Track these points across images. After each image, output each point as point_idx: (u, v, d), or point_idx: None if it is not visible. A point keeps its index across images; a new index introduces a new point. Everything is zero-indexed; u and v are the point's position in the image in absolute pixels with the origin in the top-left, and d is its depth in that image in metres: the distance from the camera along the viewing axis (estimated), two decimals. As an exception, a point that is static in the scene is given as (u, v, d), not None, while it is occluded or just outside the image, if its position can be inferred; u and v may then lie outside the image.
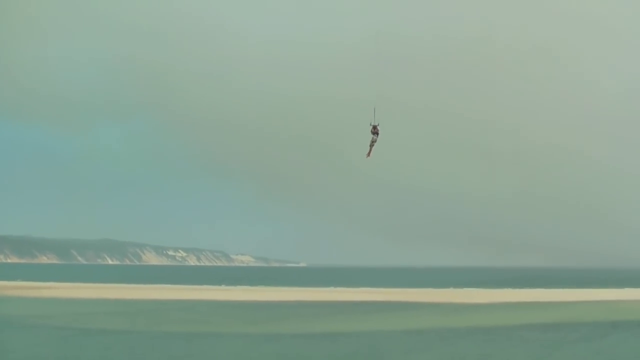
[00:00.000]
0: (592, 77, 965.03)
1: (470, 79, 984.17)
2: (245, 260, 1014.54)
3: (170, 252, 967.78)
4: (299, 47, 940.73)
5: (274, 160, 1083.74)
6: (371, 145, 48.81)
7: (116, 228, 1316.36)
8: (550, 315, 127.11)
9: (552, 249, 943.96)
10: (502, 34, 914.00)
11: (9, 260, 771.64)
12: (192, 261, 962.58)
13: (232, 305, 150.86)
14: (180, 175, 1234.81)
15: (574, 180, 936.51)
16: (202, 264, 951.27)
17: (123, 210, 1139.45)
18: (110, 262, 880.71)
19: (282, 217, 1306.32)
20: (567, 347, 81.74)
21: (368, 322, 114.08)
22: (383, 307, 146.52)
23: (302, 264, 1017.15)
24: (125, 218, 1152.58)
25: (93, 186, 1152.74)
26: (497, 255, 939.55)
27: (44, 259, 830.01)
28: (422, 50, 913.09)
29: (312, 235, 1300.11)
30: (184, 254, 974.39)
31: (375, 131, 48.69)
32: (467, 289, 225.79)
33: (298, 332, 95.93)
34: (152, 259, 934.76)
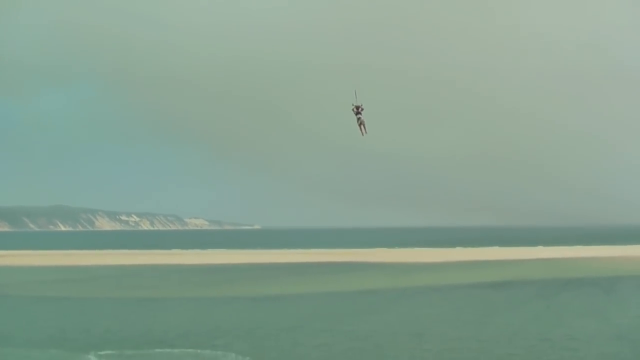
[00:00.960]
0: (544, 38, 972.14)
1: (429, 43, 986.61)
2: (199, 223, 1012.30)
3: (123, 217, 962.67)
4: (247, 10, 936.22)
5: (227, 123, 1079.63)
6: (360, 125, 47.58)
7: (68, 194, 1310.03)
8: (501, 274, 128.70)
9: (503, 209, 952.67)
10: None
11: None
12: (146, 226, 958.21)
13: (185, 269, 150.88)
14: (130, 140, 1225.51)
15: (525, 141, 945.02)
16: (156, 228, 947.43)
17: (74, 176, 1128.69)
18: (62, 228, 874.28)
19: (235, 180, 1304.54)
20: (517, 304, 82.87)
21: (322, 283, 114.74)
22: (337, 268, 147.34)
23: (256, 227, 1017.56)
24: (77, 184, 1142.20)
25: (42, 152, 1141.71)
26: (451, 216, 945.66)
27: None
28: (383, 12, 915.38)
29: (265, 197, 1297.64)
30: (137, 219, 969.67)
31: (358, 111, 45.62)
32: (421, 248, 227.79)
33: (251, 295, 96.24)
34: (105, 224, 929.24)
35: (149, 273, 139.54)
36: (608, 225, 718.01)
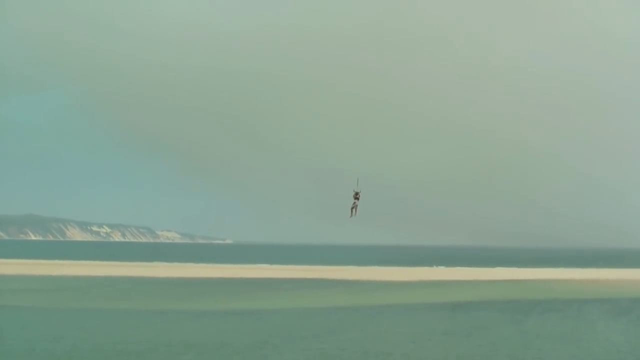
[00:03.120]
0: (518, 62, 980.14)
1: (393, 64, 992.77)
2: (170, 236, 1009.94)
3: (95, 228, 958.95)
4: (218, 23, 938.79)
5: (200, 138, 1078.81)
6: (352, 208, 54.02)
7: (39, 203, 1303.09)
8: (471, 294, 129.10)
9: (476, 229, 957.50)
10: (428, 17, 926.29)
11: None
12: (117, 237, 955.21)
13: (155, 281, 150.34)
14: (103, 150, 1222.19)
15: (499, 162, 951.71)
16: (127, 240, 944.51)
17: (45, 186, 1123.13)
18: (33, 237, 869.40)
19: (208, 193, 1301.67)
20: (487, 325, 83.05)
21: (292, 299, 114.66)
22: (308, 285, 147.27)
23: (228, 241, 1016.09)
24: (48, 193, 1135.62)
25: (12, 160, 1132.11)
26: (422, 235, 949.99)
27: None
28: (341, 35, 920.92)
29: (238, 212, 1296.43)
30: (109, 230, 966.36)
31: (356, 197, 54.48)
32: (391, 267, 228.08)
33: (220, 309, 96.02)
34: (76, 234, 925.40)
35: (119, 285, 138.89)
36: (578, 247, 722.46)
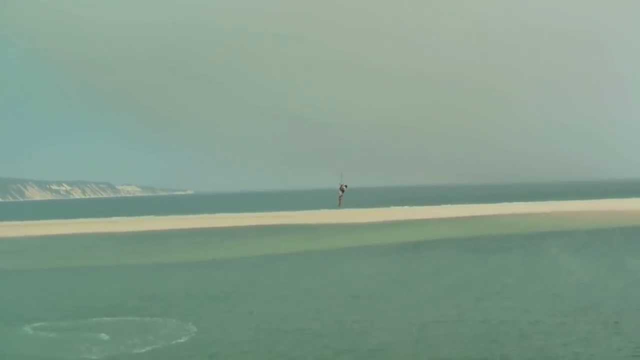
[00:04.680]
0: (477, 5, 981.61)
1: (349, 13, 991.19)
2: (131, 190, 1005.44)
3: (54, 187, 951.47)
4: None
5: (156, 89, 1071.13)
6: (340, 198, 62.00)
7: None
8: (432, 232, 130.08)
9: (433, 169, 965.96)
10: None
11: None
12: (77, 194, 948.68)
13: (117, 236, 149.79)
14: (58, 107, 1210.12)
15: (451, 104, 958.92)
16: (88, 196, 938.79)
17: (1, 146, 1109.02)
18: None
19: (167, 145, 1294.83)
20: (452, 263, 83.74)
21: (256, 246, 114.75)
22: (270, 231, 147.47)
23: (189, 192, 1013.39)
24: (4, 153, 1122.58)
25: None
26: (381, 176, 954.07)
27: None
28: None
29: (197, 163, 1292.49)
30: (68, 188, 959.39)
31: (342, 189, 62.30)
32: (353, 209, 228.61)
33: (185, 261, 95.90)
34: (35, 194, 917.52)
35: (80, 242, 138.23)
36: (534, 183, 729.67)
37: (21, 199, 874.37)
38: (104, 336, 48.73)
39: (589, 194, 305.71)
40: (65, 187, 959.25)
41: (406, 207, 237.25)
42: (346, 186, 65.36)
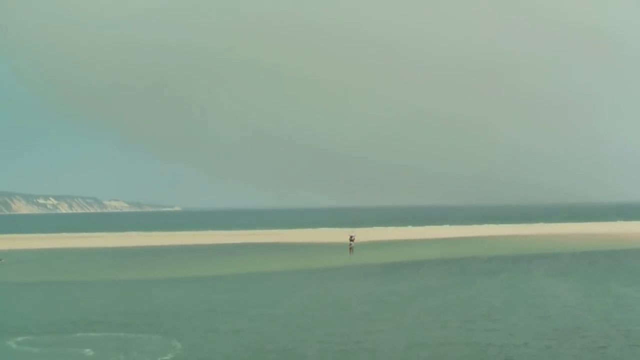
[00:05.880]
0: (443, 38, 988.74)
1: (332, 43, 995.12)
2: (118, 205, 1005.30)
3: (41, 200, 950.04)
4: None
5: (145, 107, 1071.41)
6: (350, 249, 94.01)
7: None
8: (412, 253, 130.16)
9: (421, 189, 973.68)
10: None
11: None
12: (64, 209, 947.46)
13: (104, 251, 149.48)
14: (46, 121, 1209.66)
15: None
16: (74, 211, 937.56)
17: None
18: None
19: (155, 162, 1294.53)
20: (443, 283, 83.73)
21: (242, 264, 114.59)
22: (258, 249, 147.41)
23: (176, 208, 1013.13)
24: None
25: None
26: (373, 196, 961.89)
27: None
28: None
29: (185, 179, 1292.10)
30: (55, 202, 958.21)
31: (352, 239, 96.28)
32: (337, 228, 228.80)
33: (171, 277, 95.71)
34: (22, 207, 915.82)
35: (67, 257, 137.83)
36: (512, 205, 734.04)
37: (8, 212, 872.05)
38: (89, 352, 48.47)
39: (574, 217, 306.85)
40: (52, 201, 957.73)
41: (391, 227, 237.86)
42: (354, 237, 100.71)
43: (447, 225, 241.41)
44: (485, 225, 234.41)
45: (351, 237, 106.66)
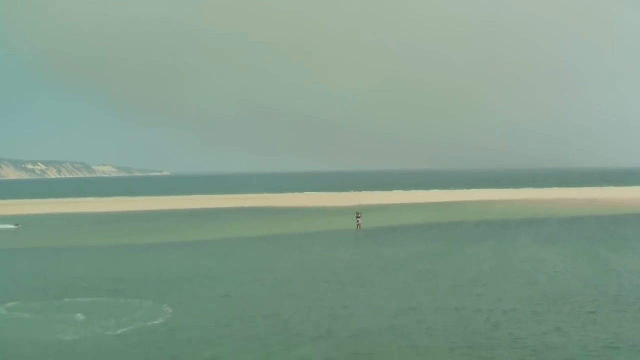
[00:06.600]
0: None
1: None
2: (107, 170, 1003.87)
3: (29, 166, 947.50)
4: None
5: (134, 70, 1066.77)
6: (358, 225, 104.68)
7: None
8: (401, 218, 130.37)
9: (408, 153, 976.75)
10: None
11: None
12: (53, 174, 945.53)
13: (92, 217, 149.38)
14: (33, 87, 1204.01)
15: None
16: (63, 176, 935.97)
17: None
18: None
19: (144, 126, 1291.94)
20: (431, 249, 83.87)
21: (230, 229, 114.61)
22: (246, 214, 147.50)
23: (165, 173, 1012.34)
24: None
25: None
26: (365, 161, 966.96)
27: None
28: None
29: (175, 144, 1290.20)
30: (44, 167, 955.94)
31: (358, 217, 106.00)
32: (328, 193, 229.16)
33: (159, 242, 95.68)
34: (10, 173, 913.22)
35: (55, 222, 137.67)
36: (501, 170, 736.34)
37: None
38: (79, 317, 48.47)
39: (562, 182, 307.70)
40: (41, 166, 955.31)
41: (378, 192, 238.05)
42: (360, 214, 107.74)
43: (436, 190, 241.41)
44: (474, 190, 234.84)
45: (358, 214, 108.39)
